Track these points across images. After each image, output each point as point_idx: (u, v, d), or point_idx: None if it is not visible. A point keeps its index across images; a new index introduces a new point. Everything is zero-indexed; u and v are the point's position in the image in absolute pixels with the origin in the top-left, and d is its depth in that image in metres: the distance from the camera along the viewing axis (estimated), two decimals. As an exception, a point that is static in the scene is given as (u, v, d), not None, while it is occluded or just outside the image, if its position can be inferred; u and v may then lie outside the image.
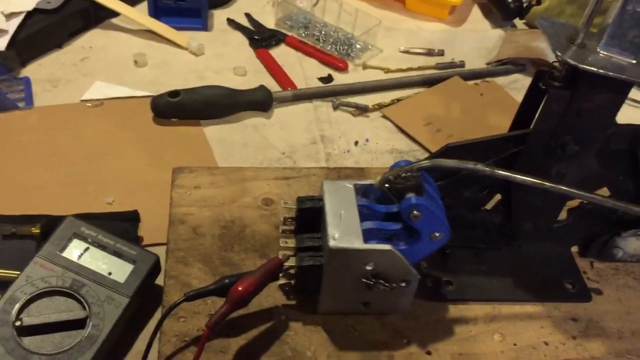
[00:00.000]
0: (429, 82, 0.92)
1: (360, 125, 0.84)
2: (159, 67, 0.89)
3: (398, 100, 0.88)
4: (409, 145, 0.81)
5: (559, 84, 0.49)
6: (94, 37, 0.93)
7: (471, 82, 0.93)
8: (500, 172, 0.49)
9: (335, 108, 0.85)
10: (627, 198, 0.56)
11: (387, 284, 0.50)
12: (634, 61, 0.47)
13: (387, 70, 0.94)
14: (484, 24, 1.09)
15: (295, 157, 0.77)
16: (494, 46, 1.02)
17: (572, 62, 0.46)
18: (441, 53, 0.99)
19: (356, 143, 0.80)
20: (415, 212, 0.48)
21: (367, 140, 0.81)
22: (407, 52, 0.99)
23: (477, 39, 1.04)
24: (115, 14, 0.95)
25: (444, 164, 0.49)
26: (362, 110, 0.85)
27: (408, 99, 0.88)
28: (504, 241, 0.59)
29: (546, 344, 0.53)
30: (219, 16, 1.01)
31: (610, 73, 0.46)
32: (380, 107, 0.86)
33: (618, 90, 0.49)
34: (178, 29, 0.95)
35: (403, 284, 0.51)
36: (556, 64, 0.50)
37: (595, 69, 0.46)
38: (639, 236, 0.58)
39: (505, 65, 0.97)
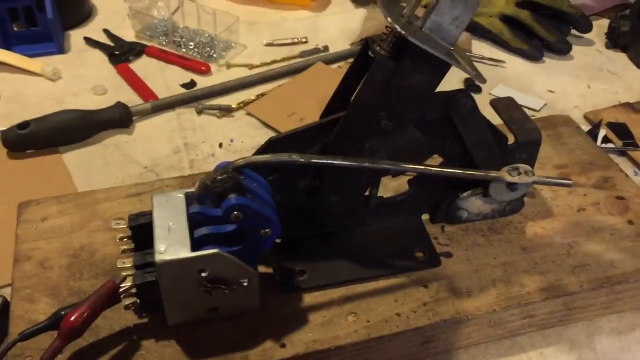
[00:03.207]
0: (293, 72, 0.92)
1: (226, 126, 0.83)
2: (13, 99, 0.87)
3: (262, 95, 0.88)
4: (274, 138, 0.81)
5: (386, 53, 0.50)
6: (-59, 78, 0.89)
7: (334, 66, 0.94)
8: (314, 160, 0.49)
9: (199, 113, 0.85)
10: (459, 161, 0.58)
11: (226, 287, 0.50)
12: (452, 48, 0.49)
13: (252, 66, 0.94)
14: (347, 5, 1.10)
15: (158, 169, 0.76)
16: (358, 26, 1.03)
17: (400, 30, 0.46)
18: (305, 41, 0.99)
19: (220, 145, 0.80)
20: (235, 212, 0.48)
21: (231, 141, 0.80)
22: (271, 44, 0.99)
23: (341, 21, 1.05)
24: (-40, 50, 0.91)
25: (257, 160, 0.49)
26: (226, 111, 0.85)
27: (271, 93, 0.88)
28: (353, 222, 0.60)
29: (398, 315, 0.54)
30: (76, 36, 0.99)
31: (432, 50, 0.47)
32: (244, 104, 0.86)
33: (436, 70, 0.50)
34: (32, 55, 0.92)
35: (245, 283, 0.51)
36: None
37: (419, 43, 0.47)
38: (477, 195, 0.60)
39: (368, 44, 0.98)
